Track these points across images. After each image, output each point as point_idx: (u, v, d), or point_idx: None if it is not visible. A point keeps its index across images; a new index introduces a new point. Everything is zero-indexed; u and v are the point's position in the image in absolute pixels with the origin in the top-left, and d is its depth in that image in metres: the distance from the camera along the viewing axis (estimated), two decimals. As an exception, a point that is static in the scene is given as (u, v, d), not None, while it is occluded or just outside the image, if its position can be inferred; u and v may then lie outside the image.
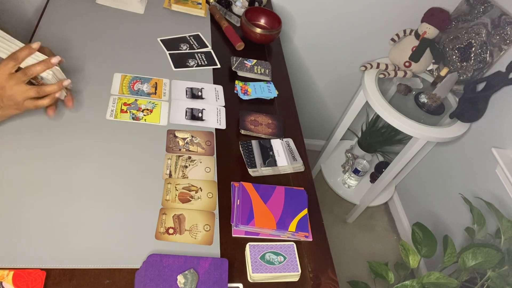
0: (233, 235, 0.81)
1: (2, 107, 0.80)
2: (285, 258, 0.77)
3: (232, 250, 0.78)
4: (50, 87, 0.82)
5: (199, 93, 1.07)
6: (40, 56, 0.82)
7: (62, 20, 1.13)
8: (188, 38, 1.22)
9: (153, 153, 0.90)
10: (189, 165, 0.90)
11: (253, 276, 0.74)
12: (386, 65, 1.64)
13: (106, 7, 1.22)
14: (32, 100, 0.81)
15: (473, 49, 1.53)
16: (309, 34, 1.70)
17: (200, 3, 1.35)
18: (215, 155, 0.94)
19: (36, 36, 1.06)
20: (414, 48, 1.56)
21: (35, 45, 0.81)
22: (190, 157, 0.91)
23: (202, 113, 1.02)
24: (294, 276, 0.76)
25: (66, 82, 0.85)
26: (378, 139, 2.03)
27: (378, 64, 1.64)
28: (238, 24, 1.35)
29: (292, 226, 0.82)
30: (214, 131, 0.99)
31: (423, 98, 1.55)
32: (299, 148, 1.01)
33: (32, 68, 0.79)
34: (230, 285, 0.73)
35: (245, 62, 1.19)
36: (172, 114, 0.99)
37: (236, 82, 1.12)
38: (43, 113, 0.89)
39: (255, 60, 1.21)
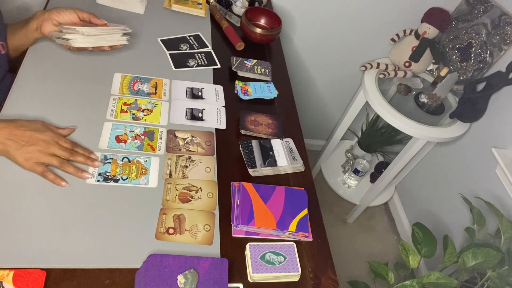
0: (233, 235, 0.81)
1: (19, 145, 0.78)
2: (285, 258, 0.77)
3: (232, 250, 0.78)
4: (71, 168, 0.80)
5: (199, 93, 1.07)
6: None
7: (62, 20, 1.13)
8: (188, 38, 1.22)
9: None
10: (189, 165, 0.90)
11: (253, 276, 0.74)
12: (386, 65, 1.64)
13: (106, 7, 1.22)
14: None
15: (473, 49, 1.53)
16: (309, 34, 1.70)
17: (200, 3, 1.35)
18: (215, 155, 0.94)
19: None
20: (414, 48, 1.56)
21: (94, 157, 0.83)
22: (190, 157, 0.91)
23: (202, 113, 1.02)
24: (294, 276, 0.76)
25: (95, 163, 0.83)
26: (378, 139, 2.03)
27: (378, 64, 1.64)
28: (238, 24, 1.35)
29: (292, 226, 0.82)
30: (214, 131, 0.99)
31: (423, 98, 1.55)
32: (299, 148, 1.01)
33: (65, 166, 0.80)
34: (230, 285, 0.73)
35: (245, 62, 1.19)
36: (172, 114, 0.99)
37: (236, 82, 1.12)
38: (42, 113, 0.89)
39: (255, 60, 1.21)
